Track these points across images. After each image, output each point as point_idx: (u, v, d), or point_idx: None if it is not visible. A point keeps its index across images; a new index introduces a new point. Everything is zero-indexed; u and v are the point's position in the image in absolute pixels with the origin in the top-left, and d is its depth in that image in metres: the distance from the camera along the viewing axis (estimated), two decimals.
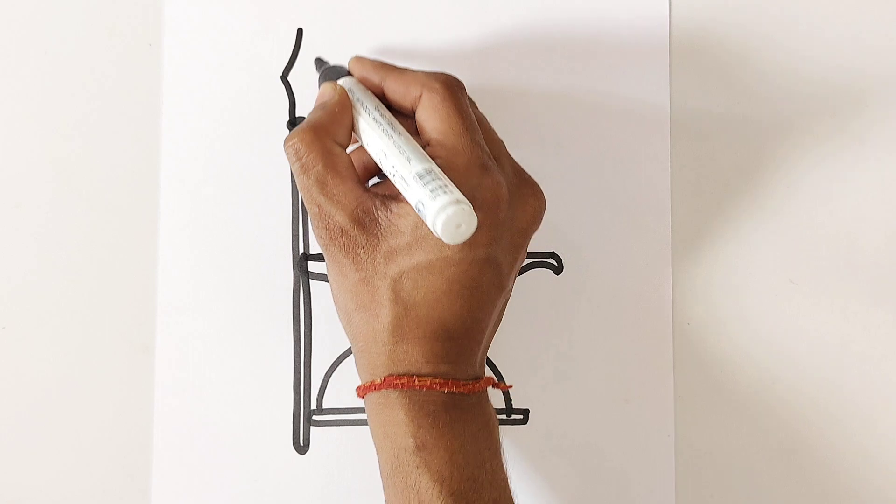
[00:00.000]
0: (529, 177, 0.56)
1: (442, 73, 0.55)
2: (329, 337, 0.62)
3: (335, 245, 0.53)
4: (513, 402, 0.62)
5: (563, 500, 0.62)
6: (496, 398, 0.62)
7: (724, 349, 0.62)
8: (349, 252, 0.53)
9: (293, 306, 0.62)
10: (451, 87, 0.54)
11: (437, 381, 0.53)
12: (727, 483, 0.62)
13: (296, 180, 0.54)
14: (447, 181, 0.50)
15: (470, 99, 0.57)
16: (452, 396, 0.53)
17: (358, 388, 0.55)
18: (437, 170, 0.51)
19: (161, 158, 0.62)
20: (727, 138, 0.63)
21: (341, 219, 0.53)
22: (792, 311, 0.63)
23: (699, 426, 0.62)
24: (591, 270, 0.62)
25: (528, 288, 0.62)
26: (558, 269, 0.62)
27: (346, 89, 0.56)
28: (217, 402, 0.62)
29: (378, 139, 0.53)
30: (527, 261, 0.62)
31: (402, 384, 0.53)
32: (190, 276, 0.62)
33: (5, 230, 0.62)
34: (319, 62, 0.61)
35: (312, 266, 0.62)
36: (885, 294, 0.63)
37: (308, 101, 0.62)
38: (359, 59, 0.57)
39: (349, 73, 0.58)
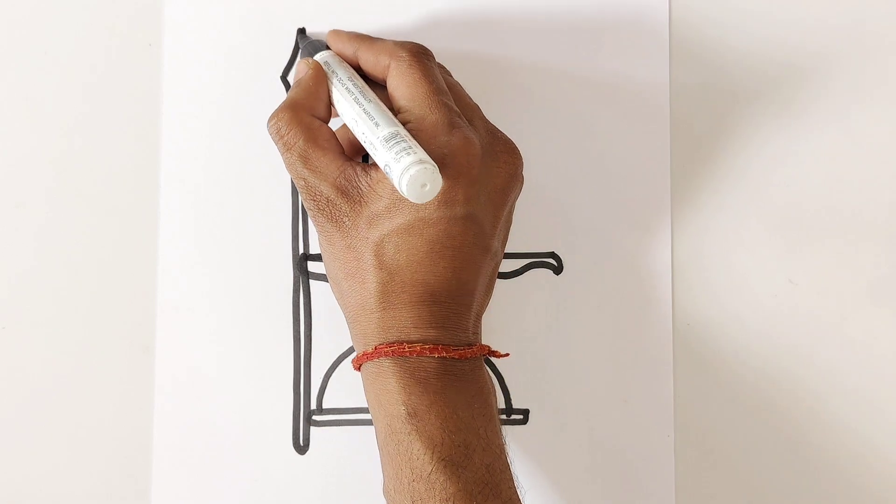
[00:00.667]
0: (504, 135, 0.57)
1: (409, 42, 0.57)
2: (329, 337, 0.62)
3: (322, 215, 0.55)
4: (513, 402, 0.62)
5: (564, 500, 0.62)
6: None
7: (724, 349, 0.62)
8: (335, 220, 0.54)
9: (293, 306, 0.62)
10: (417, 54, 0.56)
11: (426, 346, 0.53)
12: (727, 483, 0.62)
13: (282, 159, 0.55)
14: (413, 143, 0.51)
15: (442, 66, 0.58)
16: (444, 362, 0.53)
17: (352, 360, 0.55)
18: (405, 132, 0.52)
19: (161, 158, 0.62)
20: (727, 138, 0.63)
21: (325, 189, 0.54)
22: (792, 311, 0.63)
23: (699, 426, 0.62)
24: (591, 270, 0.62)
25: (528, 288, 0.62)
26: (558, 269, 0.62)
27: (322, 62, 0.57)
28: (217, 401, 0.62)
29: (349, 108, 0.55)
30: (527, 261, 0.62)
31: (392, 351, 0.53)
32: (190, 276, 0.62)
33: (5, 230, 0.62)
34: (302, 34, 0.62)
35: (312, 266, 0.62)
36: (885, 294, 0.63)
37: None
38: (335, 33, 0.59)
39: (327, 48, 0.59)
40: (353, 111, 0.54)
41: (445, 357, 0.53)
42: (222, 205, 0.62)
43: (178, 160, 0.62)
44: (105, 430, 0.62)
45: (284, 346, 0.62)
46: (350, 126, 0.55)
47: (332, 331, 0.62)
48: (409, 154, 0.51)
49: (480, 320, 0.57)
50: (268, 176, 0.62)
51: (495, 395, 0.55)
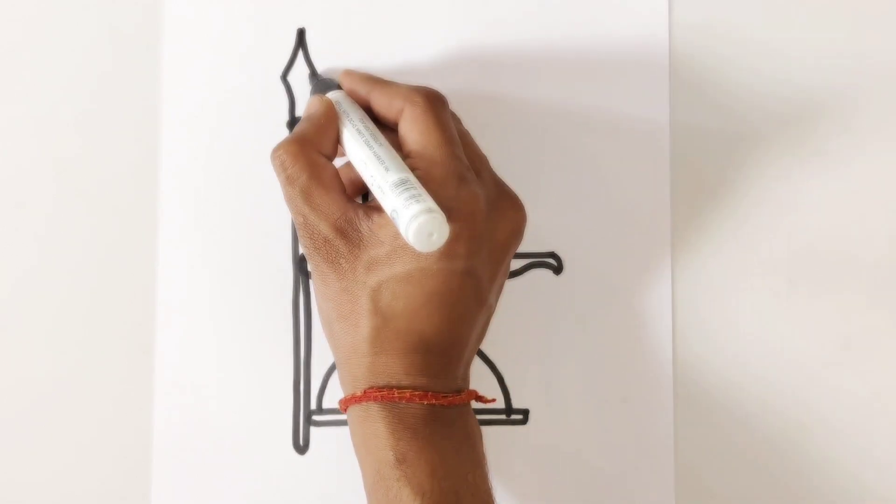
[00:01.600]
0: (511, 191, 0.57)
1: (425, 87, 0.56)
2: None
3: (319, 254, 0.54)
4: (513, 402, 0.62)
5: (563, 501, 0.62)
6: (496, 398, 0.62)
7: (724, 349, 0.62)
8: (332, 262, 0.54)
9: (293, 306, 0.62)
10: (432, 101, 0.55)
11: (416, 393, 0.53)
12: (727, 483, 0.62)
13: (282, 191, 0.55)
14: (422, 191, 0.51)
15: (454, 115, 0.58)
16: (433, 409, 0.53)
17: (340, 401, 0.55)
18: (414, 179, 0.51)
19: (161, 158, 0.62)
20: (727, 137, 0.63)
21: (324, 228, 0.53)
22: (792, 311, 0.63)
23: (699, 426, 0.62)
24: (591, 270, 0.62)
25: (528, 288, 0.62)
26: (558, 269, 0.62)
27: (334, 101, 0.57)
28: (217, 402, 0.62)
29: (359, 149, 0.54)
30: (527, 261, 0.62)
31: (381, 396, 0.53)
32: (190, 277, 0.62)
33: (5, 230, 0.62)
34: (312, 76, 0.62)
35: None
36: (885, 294, 0.63)
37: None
38: (348, 73, 0.59)
39: (339, 87, 0.58)
40: (363, 153, 0.54)
41: (434, 404, 0.53)
42: (222, 205, 0.62)
43: (178, 160, 0.62)
44: (105, 431, 0.62)
45: (284, 346, 0.62)
46: (358, 168, 0.54)
47: None
48: (418, 202, 0.50)
49: (469, 366, 0.57)
50: (268, 176, 0.62)
51: (482, 441, 0.55)
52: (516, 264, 0.62)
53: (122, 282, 0.62)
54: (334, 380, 0.62)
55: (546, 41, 0.63)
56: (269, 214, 0.62)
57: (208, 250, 0.62)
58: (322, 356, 0.62)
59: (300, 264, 0.62)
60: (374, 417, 0.53)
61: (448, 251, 0.52)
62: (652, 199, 0.62)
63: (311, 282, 0.56)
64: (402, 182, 0.51)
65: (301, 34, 0.62)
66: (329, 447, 0.62)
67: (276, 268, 0.62)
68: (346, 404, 0.55)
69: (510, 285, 0.62)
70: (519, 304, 0.62)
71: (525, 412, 0.62)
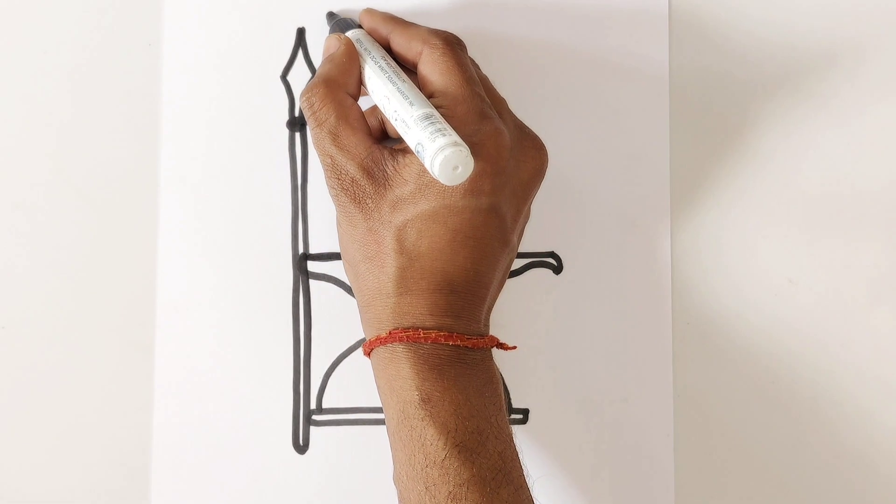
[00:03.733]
0: (531, 131, 0.57)
1: (443, 31, 0.57)
2: (329, 337, 0.62)
3: (346, 194, 0.55)
4: (513, 402, 0.62)
5: (563, 500, 0.62)
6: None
7: (724, 349, 0.63)
8: (358, 201, 0.54)
9: (293, 306, 0.62)
10: (451, 43, 0.56)
11: (441, 333, 0.53)
12: (727, 483, 0.62)
13: (310, 132, 0.56)
14: (447, 125, 0.51)
15: (472, 60, 0.58)
16: (457, 350, 0.53)
17: (364, 345, 0.55)
18: (438, 115, 0.52)
19: (161, 158, 0.62)
20: (727, 137, 0.63)
21: (352, 168, 0.54)
22: (792, 311, 0.63)
23: (699, 426, 0.62)
24: (591, 270, 0.62)
25: (528, 288, 0.62)
26: (558, 269, 0.62)
27: (354, 40, 0.57)
28: (217, 401, 0.62)
29: (382, 85, 0.54)
30: (527, 261, 0.62)
31: (407, 337, 0.53)
32: (190, 276, 0.62)
33: (4, 230, 0.62)
34: (331, 15, 0.61)
35: (312, 266, 0.62)
36: (885, 294, 0.63)
37: None
38: (369, 11, 0.59)
39: (359, 27, 0.59)
40: (387, 89, 0.54)
41: (459, 345, 0.53)
42: (222, 204, 0.62)
43: (178, 160, 0.62)
44: (105, 430, 0.62)
45: (284, 345, 0.62)
46: (381, 104, 0.55)
47: (332, 331, 0.62)
48: (443, 135, 0.50)
49: (490, 312, 0.57)
50: (268, 175, 0.62)
51: (502, 387, 0.56)
52: (516, 264, 0.62)
53: (122, 281, 0.62)
54: (334, 380, 0.62)
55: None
56: (269, 214, 0.62)
57: (208, 250, 0.62)
58: (322, 356, 0.62)
59: (300, 264, 0.62)
60: (399, 358, 0.53)
61: (472, 187, 0.53)
62: (652, 199, 0.62)
63: (336, 223, 0.56)
64: (427, 116, 0.51)
65: (301, 34, 0.63)
66: (329, 447, 0.62)
67: (276, 267, 0.62)
68: (370, 346, 0.55)
69: (510, 285, 0.62)
70: (519, 304, 0.62)
71: (525, 412, 0.62)
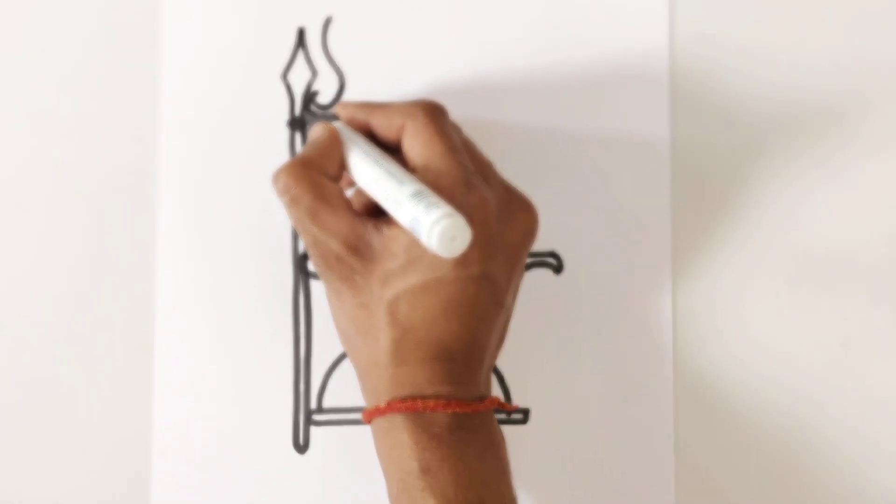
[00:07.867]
0: (520, 193, 0.57)
1: (423, 101, 0.56)
2: (329, 336, 0.62)
3: (332, 272, 0.54)
4: (513, 401, 0.62)
5: (564, 500, 0.62)
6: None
7: (724, 349, 0.62)
8: (346, 278, 0.54)
9: (293, 306, 0.62)
10: (432, 112, 0.55)
11: (440, 402, 0.52)
12: (727, 483, 0.62)
13: (288, 215, 0.54)
14: (439, 199, 0.50)
15: (455, 125, 0.57)
16: (457, 417, 0.53)
17: (363, 413, 0.55)
18: (429, 190, 0.51)
19: (160, 158, 0.62)
20: (728, 139, 0.63)
21: (335, 246, 0.53)
22: (792, 311, 0.63)
23: (699, 426, 0.62)
24: (591, 270, 0.62)
25: (528, 288, 0.62)
26: (558, 269, 0.63)
27: (337, 129, 0.56)
28: (217, 401, 0.62)
29: (369, 169, 0.54)
30: (527, 260, 0.62)
31: (405, 407, 0.52)
32: (189, 276, 0.62)
33: (4, 230, 0.62)
34: (312, 115, 0.62)
35: (312, 266, 0.62)
36: (885, 294, 0.63)
37: None
38: (343, 104, 0.58)
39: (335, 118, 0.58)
40: (374, 172, 0.53)
41: (458, 412, 0.53)
42: (221, 204, 0.62)
43: (177, 160, 0.62)
44: (104, 430, 0.62)
45: (284, 345, 0.62)
46: (369, 189, 0.54)
47: (332, 330, 0.61)
48: (438, 207, 0.49)
49: (491, 372, 0.57)
50: (268, 176, 0.62)
51: (506, 448, 0.55)
52: None
53: (121, 281, 0.62)
54: (334, 379, 0.62)
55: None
56: (268, 214, 0.62)
57: (208, 250, 0.62)
58: (322, 355, 0.62)
59: (300, 264, 0.62)
60: (397, 428, 0.53)
61: (462, 259, 0.51)
62: (652, 199, 0.62)
63: (326, 298, 0.56)
64: (418, 192, 0.51)
65: (301, 34, 0.63)
66: (329, 447, 0.62)
67: (276, 267, 0.62)
68: (369, 416, 0.54)
69: None
70: (519, 304, 0.62)
71: (525, 412, 0.62)
